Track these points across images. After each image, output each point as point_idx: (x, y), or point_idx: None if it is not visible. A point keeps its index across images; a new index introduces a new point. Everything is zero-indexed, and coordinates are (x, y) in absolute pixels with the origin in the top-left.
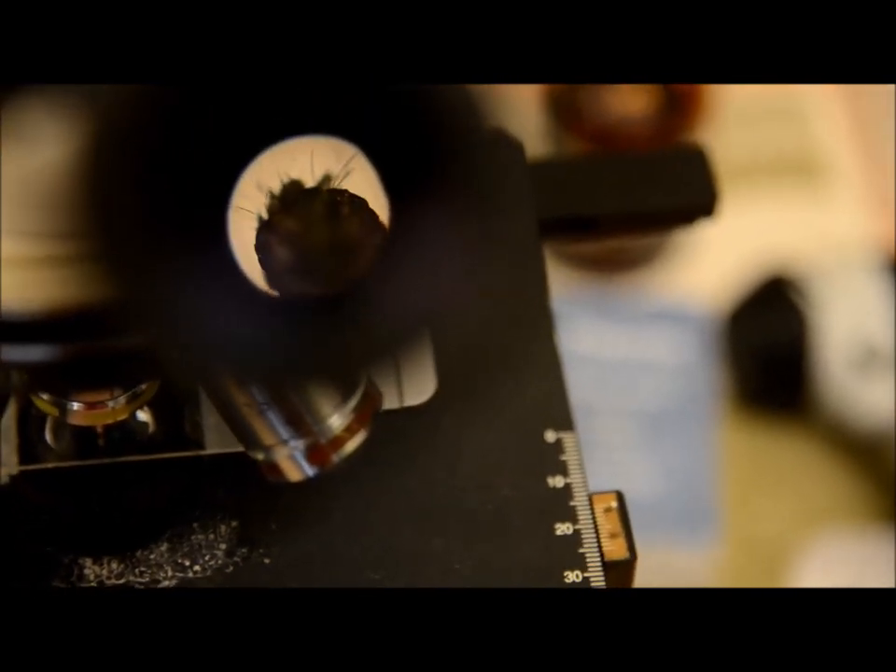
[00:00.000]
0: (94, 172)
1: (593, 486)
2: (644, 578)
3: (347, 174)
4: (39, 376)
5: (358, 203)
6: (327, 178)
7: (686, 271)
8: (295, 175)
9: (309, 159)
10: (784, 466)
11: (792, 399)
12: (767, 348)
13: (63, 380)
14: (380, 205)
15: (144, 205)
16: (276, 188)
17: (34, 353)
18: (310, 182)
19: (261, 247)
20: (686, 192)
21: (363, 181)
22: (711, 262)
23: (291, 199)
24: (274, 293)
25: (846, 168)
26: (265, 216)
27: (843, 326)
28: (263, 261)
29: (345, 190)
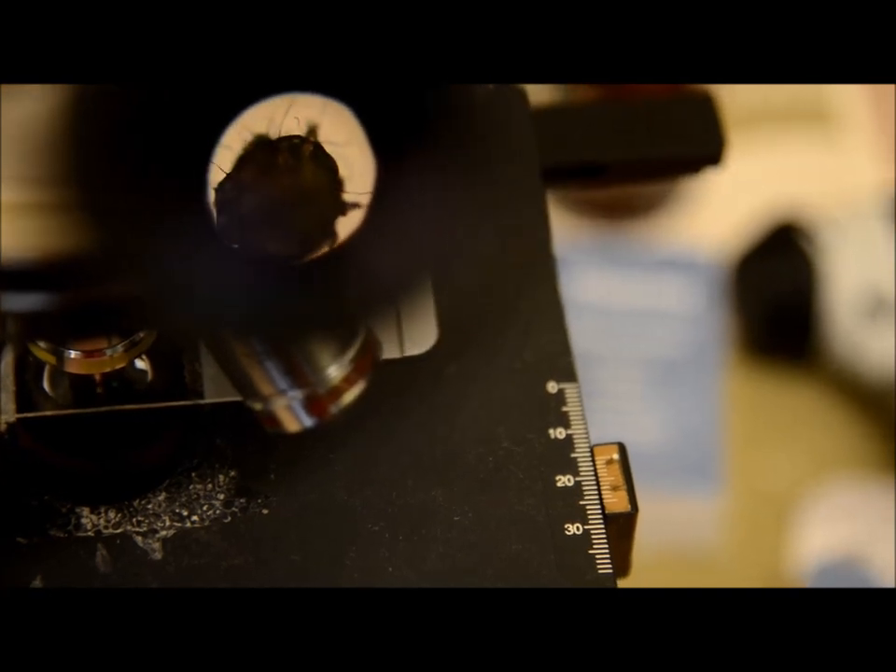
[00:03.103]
0: (78, 121)
1: (600, 435)
2: (649, 528)
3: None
4: (33, 324)
5: (320, 153)
6: (303, 131)
7: (695, 218)
8: (263, 130)
9: (284, 115)
10: (791, 415)
11: (800, 347)
12: (775, 297)
13: (56, 328)
14: (366, 159)
15: (126, 157)
16: (241, 146)
17: (26, 301)
18: (271, 136)
19: (224, 208)
20: (693, 141)
21: (347, 134)
22: (720, 209)
23: (247, 154)
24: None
25: (857, 115)
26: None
27: (852, 274)
28: (229, 223)
29: (305, 140)
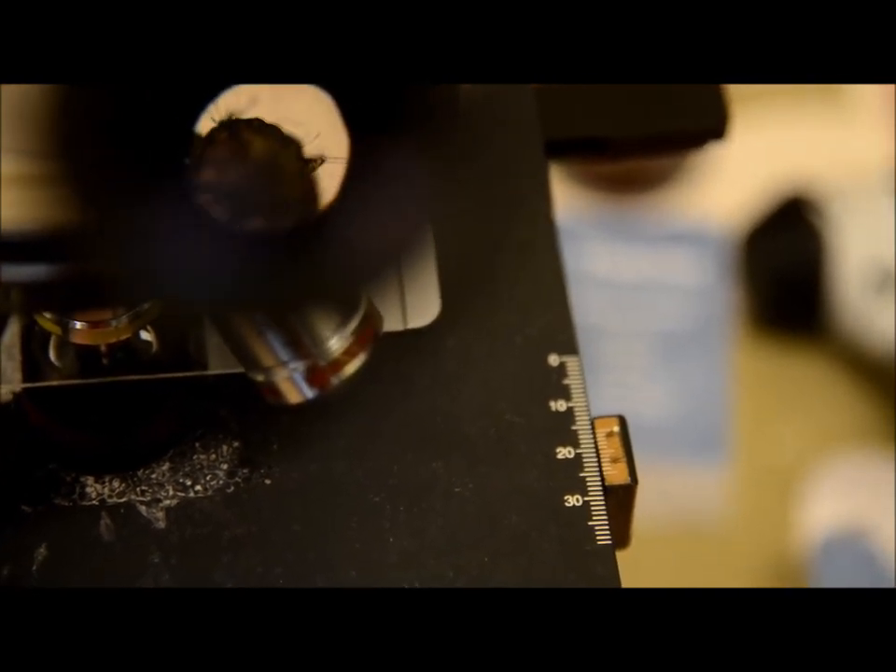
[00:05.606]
0: (63, 98)
1: (608, 409)
2: (656, 500)
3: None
4: (37, 295)
5: (262, 127)
6: (229, 116)
7: (704, 191)
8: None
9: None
10: (798, 388)
11: (808, 321)
12: (784, 270)
13: (61, 299)
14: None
15: (109, 133)
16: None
17: (30, 272)
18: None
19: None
20: (695, 114)
21: (321, 111)
22: (729, 183)
23: (200, 148)
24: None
25: (866, 88)
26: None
27: (859, 248)
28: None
29: (240, 122)
